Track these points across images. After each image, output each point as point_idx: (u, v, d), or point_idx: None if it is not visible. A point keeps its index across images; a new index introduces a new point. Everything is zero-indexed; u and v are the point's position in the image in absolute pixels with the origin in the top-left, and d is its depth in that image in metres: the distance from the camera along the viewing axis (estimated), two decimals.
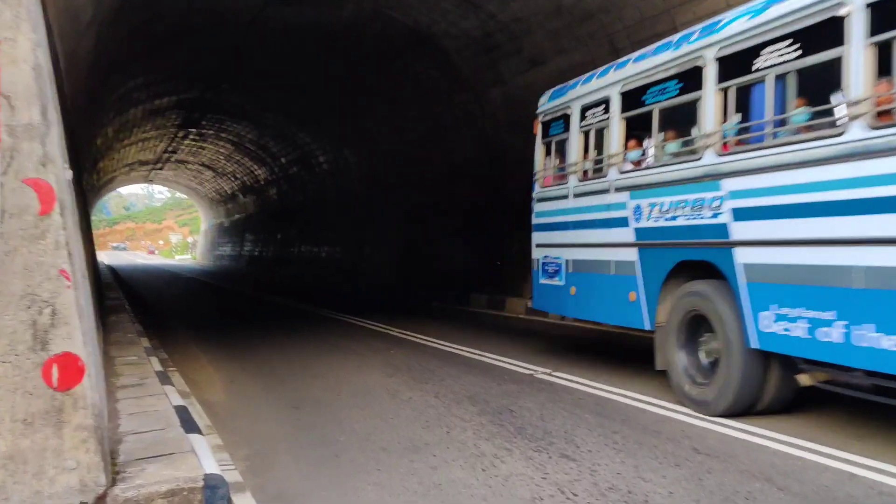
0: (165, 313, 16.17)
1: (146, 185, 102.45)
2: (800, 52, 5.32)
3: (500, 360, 8.82)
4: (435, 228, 21.57)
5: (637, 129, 7.63)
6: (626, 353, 9.73)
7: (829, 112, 5.20)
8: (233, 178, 45.32)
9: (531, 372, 8.02)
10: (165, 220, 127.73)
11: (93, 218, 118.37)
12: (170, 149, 39.76)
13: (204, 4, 16.45)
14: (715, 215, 5.96)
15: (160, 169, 48.87)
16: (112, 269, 36.69)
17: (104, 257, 66.34)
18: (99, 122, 22.54)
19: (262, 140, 34.08)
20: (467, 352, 9.56)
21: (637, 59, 7.62)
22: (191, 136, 36.24)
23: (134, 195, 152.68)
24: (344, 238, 29.47)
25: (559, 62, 15.57)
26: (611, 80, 7.91)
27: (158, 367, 6.83)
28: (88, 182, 34.95)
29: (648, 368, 6.92)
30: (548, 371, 8.03)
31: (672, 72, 6.77)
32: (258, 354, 9.77)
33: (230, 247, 51.51)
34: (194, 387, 7.46)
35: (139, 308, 17.08)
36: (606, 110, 7.86)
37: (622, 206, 7.31)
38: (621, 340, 11.26)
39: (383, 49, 19.66)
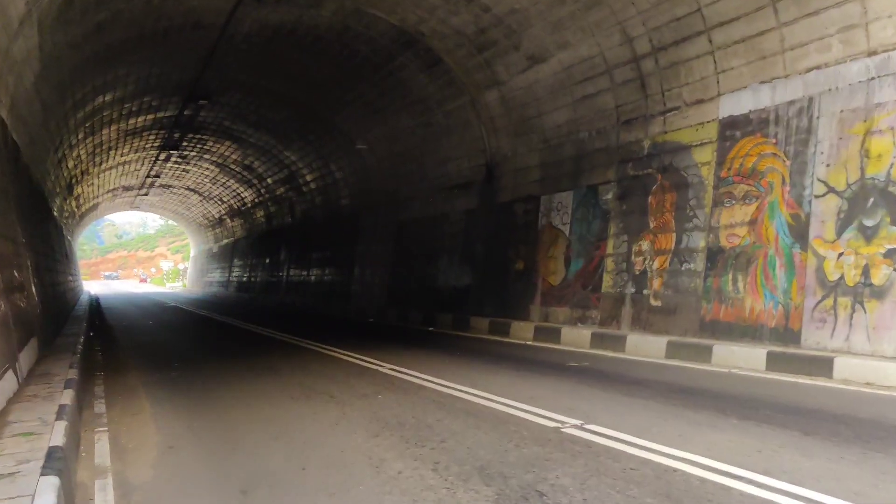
0: (129, 349, 14.36)
1: (139, 212, 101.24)
2: None
3: (513, 407, 7.05)
4: (429, 245, 19.83)
5: None
6: (673, 392, 7.99)
7: None
8: (219, 202, 43.66)
9: (557, 424, 6.25)
10: (157, 248, 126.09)
11: (85, 247, 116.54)
12: (152, 173, 38.11)
13: (165, 3, 14.82)
14: None
15: (145, 194, 47.20)
16: (95, 300, 34.84)
17: (93, 287, 64.40)
18: (64, 141, 20.82)
19: (247, 160, 32.47)
20: (472, 395, 7.79)
21: None
22: (173, 159, 34.62)
23: (128, 223, 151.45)
24: (333, 259, 27.73)
25: (563, 58, 13.97)
26: None
27: (58, 440, 5.04)
28: (67, 209, 33.26)
29: (710, 414, 5.17)
30: (578, 423, 6.27)
31: None
32: (216, 403, 7.98)
33: (219, 273, 49.72)
34: (119, 457, 5.71)
35: (105, 343, 15.31)
36: None
37: None
38: (660, 374, 9.52)
39: (368, 53, 18.06)
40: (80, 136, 22.78)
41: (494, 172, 16.95)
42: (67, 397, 6.53)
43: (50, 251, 18.83)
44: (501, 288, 16.00)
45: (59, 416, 5.72)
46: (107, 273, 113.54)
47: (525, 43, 14.48)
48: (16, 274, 9.06)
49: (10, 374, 6.82)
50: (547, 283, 14.52)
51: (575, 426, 6.16)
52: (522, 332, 14.07)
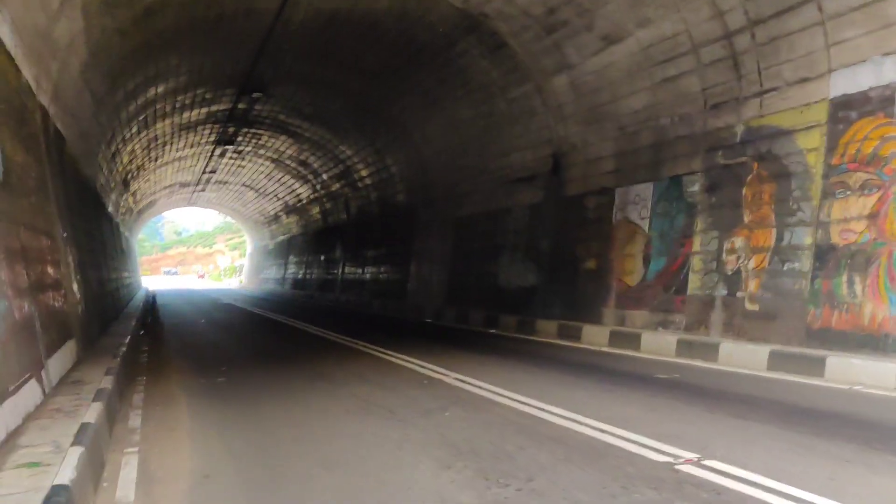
0: (177, 351, 13.69)
1: (197, 208, 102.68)
2: None
3: (607, 433, 5.95)
4: (490, 242, 18.75)
5: None
6: (792, 414, 6.75)
7: None
8: (275, 198, 43.34)
9: (668, 459, 5.13)
10: (216, 244, 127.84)
11: (145, 243, 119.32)
12: (208, 168, 37.94)
13: None
14: None
15: (202, 191, 47.25)
16: (152, 296, 34.80)
17: (152, 282, 65.17)
18: (117, 135, 20.41)
19: (302, 155, 31.88)
20: (554, 415, 6.71)
21: None
22: (228, 154, 34.30)
23: (187, 220, 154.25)
24: (389, 257, 26.88)
25: (641, 37, 12.70)
26: None
27: (66, 476, 4.15)
28: (124, 205, 33.23)
29: (855, 448, 4.00)
30: (694, 457, 5.13)
31: None
32: (262, 419, 7.08)
33: (274, 269, 49.53)
34: (146, 489, 4.82)
35: (153, 344, 14.69)
36: None
37: None
38: (768, 390, 8.25)
39: (427, 39, 17.06)
40: (134, 130, 22.39)
41: (562, 164, 15.77)
42: (93, 413, 5.67)
43: (100, 247, 18.37)
44: (570, 288, 14.82)
45: (76, 440, 4.84)
46: (166, 269, 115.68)
47: (599, 22, 13.26)
48: (50, 271, 8.33)
49: (32, 385, 6.01)
50: (622, 283, 13.30)
51: (691, 461, 5.02)
52: (596, 338, 12.88)
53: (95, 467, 4.95)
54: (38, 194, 8.42)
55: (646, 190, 13.02)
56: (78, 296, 10.80)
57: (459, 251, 20.72)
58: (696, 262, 11.69)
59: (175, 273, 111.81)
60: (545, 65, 15.20)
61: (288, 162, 34.08)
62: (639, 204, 13.17)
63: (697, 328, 11.38)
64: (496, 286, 18.04)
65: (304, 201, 38.65)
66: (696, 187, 11.93)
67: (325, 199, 35.14)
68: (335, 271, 34.17)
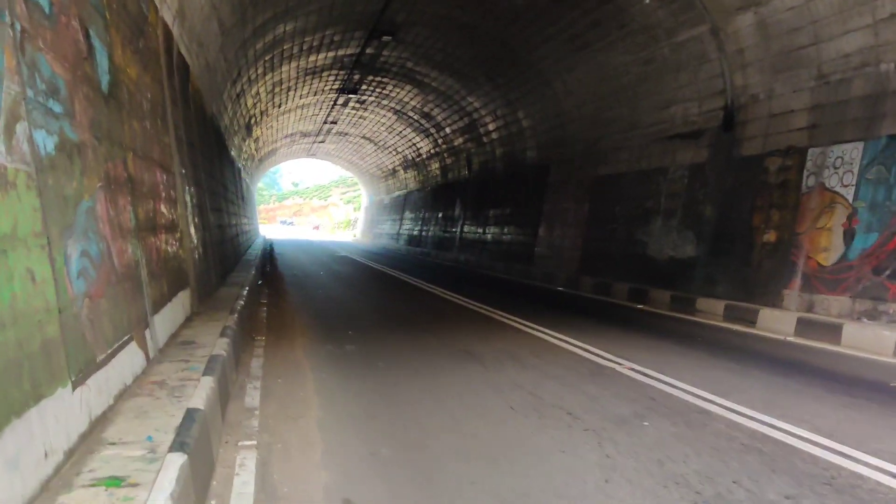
0: (297, 305, 12.59)
1: (315, 160, 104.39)
2: None
3: (890, 473, 4.12)
4: (638, 206, 16.69)
5: None
6: None
7: None
8: (394, 152, 42.34)
9: None
10: (331, 197, 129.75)
11: (263, 192, 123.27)
12: (329, 118, 37.25)
13: None
14: None
15: (322, 142, 46.92)
16: (269, 245, 34.65)
17: (269, 231, 66.21)
18: (243, 74, 19.52)
19: (426, 107, 30.45)
20: (805, 441, 4.92)
21: None
22: (350, 104, 33.36)
23: (305, 171, 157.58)
24: (514, 217, 25.15)
25: None
26: None
27: (171, 486, 2.80)
28: (247, 150, 32.95)
29: None
30: None
31: None
32: (407, 410, 5.62)
33: (389, 225, 48.85)
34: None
35: (273, 295, 13.70)
36: None
37: None
38: None
39: None
40: (260, 71, 21.52)
41: (736, 118, 13.50)
42: (202, 393, 4.32)
43: (222, 189, 17.59)
44: (741, 264, 12.68)
45: (177, 442, 3.47)
46: (282, 219, 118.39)
47: None
48: (164, 209, 7.14)
49: (131, 350, 4.75)
50: (813, 262, 11.09)
51: None
52: (776, 324, 10.79)
53: (201, 477, 3.59)
54: (154, 120, 7.21)
55: (852, 151, 10.66)
56: (195, 241, 9.73)
57: (597, 215, 18.75)
58: None
59: (291, 223, 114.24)
60: (727, 2, 12.90)
61: (410, 114, 32.80)
62: (840, 168, 10.84)
63: None
64: (644, 256, 16.03)
65: (424, 156, 37.38)
66: None
67: (447, 155, 33.69)
68: (454, 230, 32.82)
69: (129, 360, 4.63)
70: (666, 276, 14.82)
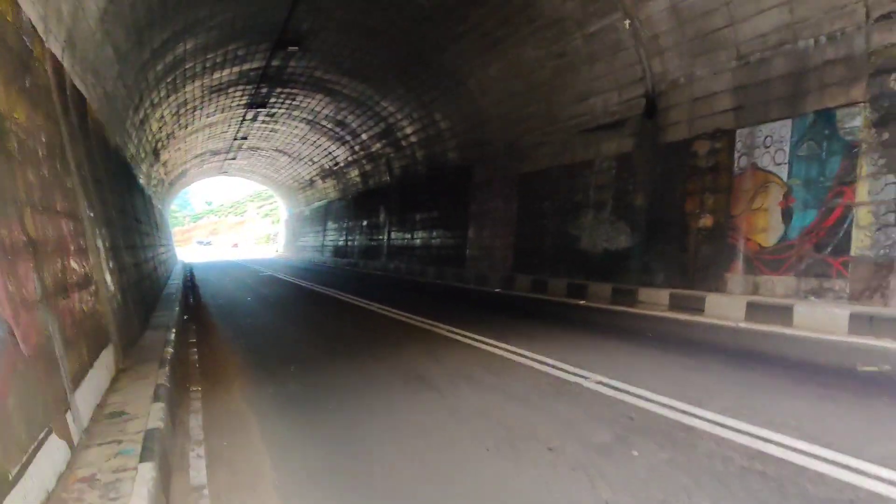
0: (229, 341, 11.86)
1: (228, 177, 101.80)
2: None
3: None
4: (567, 200, 16.59)
5: None
6: None
7: None
8: (310, 163, 41.41)
9: None
10: (247, 212, 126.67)
11: (177, 214, 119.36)
12: (239, 134, 36.10)
13: None
14: None
15: (233, 159, 45.52)
16: (189, 270, 33.25)
17: (186, 254, 63.91)
18: (145, 98, 18.48)
19: (339, 115, 29.80)
20: (817, 458, 4.68)
21: None
22: (260, 118, 32.35)
23: (217, 189, 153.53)
24: (441, 220, 24.82)
25: None
26: None
27: None
28: (155, 176, 31.48)
29: None
30: None
31: None
32: (374, 462, 5.12)
33: (312, 237, 47.84)
34: None
35: (201, 334, 12.90)
36: None
37: None
38: None
39: None
40: (163, 94, 20.46)
41: (658, 105, 13.51)
42: (141, 495, 3.73)
43: (135, 223, 16.57)
44: (678, 251, 12.69)
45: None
46: (199, 240, 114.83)
47: None
48: (74, 264, 6.42)
49: (52, 444, 4.10)
50: (753, 243, 11.14)
51: None
52: (725, 310, 10.77)
53: None
54: (52, 164, 6.48)
55: (781, 129, 10.75)
56: (112, 288, 8.94)
57: (527, 212, 18.59)
58: (862, 216, 9.48)
59: (208, 244, 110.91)
60: None
61: (324, 123, 32.06)
62: (771, 147, 10.92)
63: (870, 297, 9.23)
64: (577, 250, 15.94)
65: (342, 164, 36.67)
66: (856, 122, 9.65)
67: (365, 161, 33.11)
68: (380, 237, 32.28)
69: (51, 458, 3.99)
70: (603, 269, 14.74)
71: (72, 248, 6.53)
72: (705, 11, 11.84)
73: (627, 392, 6.46)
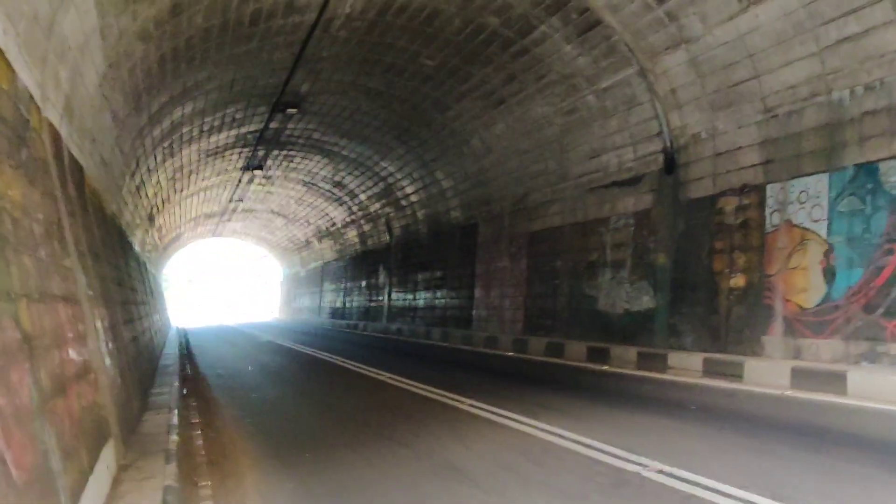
0: (235, 422, 11.04)
1: (222, 239, 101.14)
2: None
3: None
4: (581, 259, 16.02)
5: None
6: None
7: None
8: (305, 224, 40.95)
9: None
10: (241, 275, 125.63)
11: (170, 278, 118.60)
12: (235, 197, 35.66)
13: None
14: None
15: (228, 220, 45.02)
16: (184, 336, 32.31)
17: (180, 317, 62.77)
18: (142, 164, 18.00)
19: (337, 176, 29.44)
20: None
21: None
22: (256, 181, 31.95)
23: (213, 251, 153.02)
24: (445, 280, 24.20)
25: None
26: None
27: None
28: (150, 242, 30.85)
29: None
30: None
31: None
32: None
33: (308, 298, 47.07)
34: None
35: (204, 413, 12.08)
36: None
37: None
38: None
39: (497, 27, 14.48)
40: (160, 159, 20.01)
41: (678, 160, 13.07)
42: None
43: (131, 294, 15.85)
44: (708, 312, 12.07)
45: None
46: (192, 302, 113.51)
47: None
48: (73, 355, 5.73)
49: None
50: (792, 304, 10.54)
51: None
52: (767, 376, 10.09)
53: None
54: (50, 244, 5.85)
55: (817, 184, 10.26)
56: (112, 370, 8.20)
57: (538, 271, 18.00)
58: None
59: (202, 307, 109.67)
60: (653, 42, 12.53)
61: (321, 184, 31.68)
62: (807, 203, 10.42)
63: None
64: (594, 311, 15.29)
65: (339, 224, 36.21)
66: None
67: (363, 221, 32.64)
68: (380, 298, 31.57)
69: None
70: (624, 332, 14.08)
71: (70, 335, 5.85)
72: (727, 64, 11.48)
73: (697, 484, 5.73)
